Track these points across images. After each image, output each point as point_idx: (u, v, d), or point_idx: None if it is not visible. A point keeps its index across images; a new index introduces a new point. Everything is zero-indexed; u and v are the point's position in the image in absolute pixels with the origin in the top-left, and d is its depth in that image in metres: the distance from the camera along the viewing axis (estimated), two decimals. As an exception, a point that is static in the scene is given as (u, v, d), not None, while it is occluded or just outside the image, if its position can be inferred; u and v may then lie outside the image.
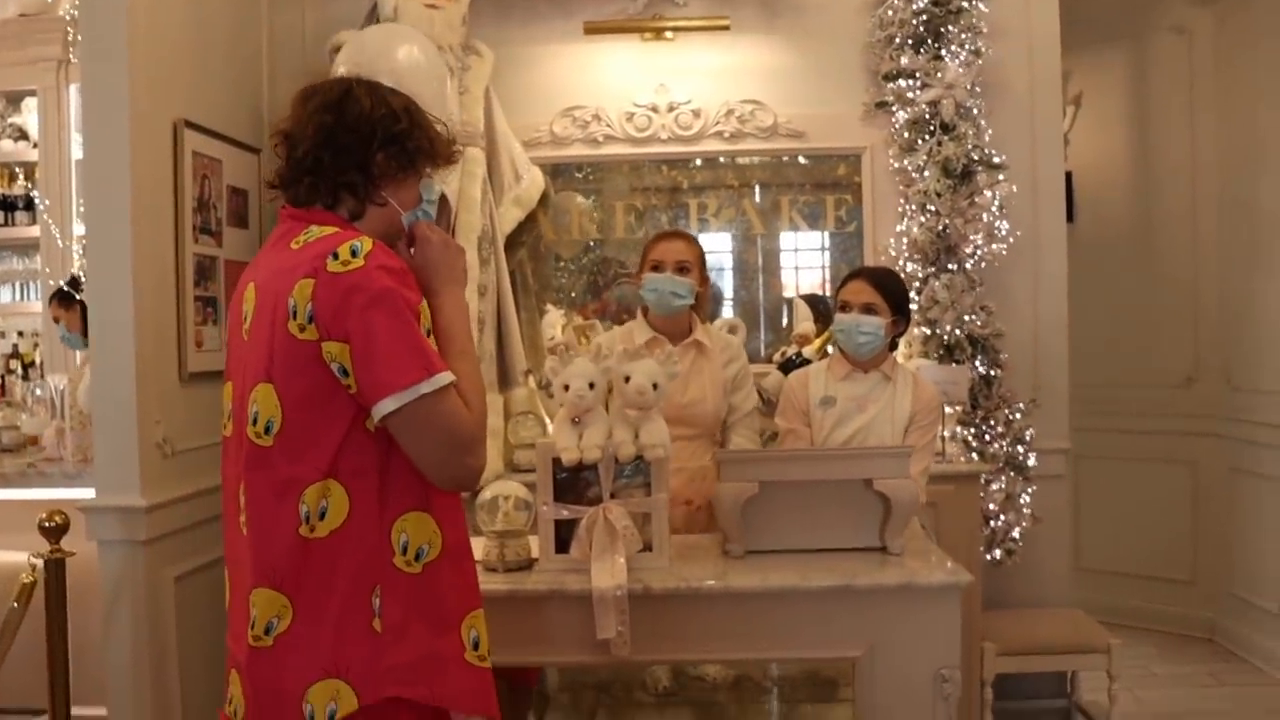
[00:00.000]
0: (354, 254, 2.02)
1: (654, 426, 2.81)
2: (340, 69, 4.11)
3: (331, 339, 2.00)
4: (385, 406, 2.00)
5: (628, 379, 2.78)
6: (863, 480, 2.95)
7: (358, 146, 2.17)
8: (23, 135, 6.00)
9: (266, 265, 2.15)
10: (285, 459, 2.04)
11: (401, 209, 2.25)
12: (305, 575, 2.02)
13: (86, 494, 3.73)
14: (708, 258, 3.87)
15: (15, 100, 6.05)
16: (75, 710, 3.67)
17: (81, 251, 5.46)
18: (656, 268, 3.69)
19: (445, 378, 2.05)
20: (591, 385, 2.76)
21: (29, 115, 5.96)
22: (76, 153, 5.59)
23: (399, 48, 3.93)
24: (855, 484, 2.96)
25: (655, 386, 2.78)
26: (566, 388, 2.77)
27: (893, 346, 3.67)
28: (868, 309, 3.53)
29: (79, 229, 5.51)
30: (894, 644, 2.77)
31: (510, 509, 2.89)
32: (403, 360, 2.01)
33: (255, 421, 2.06)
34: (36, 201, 5.66)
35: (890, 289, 3.59)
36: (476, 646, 2.17)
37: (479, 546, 2.88)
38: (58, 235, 5.47)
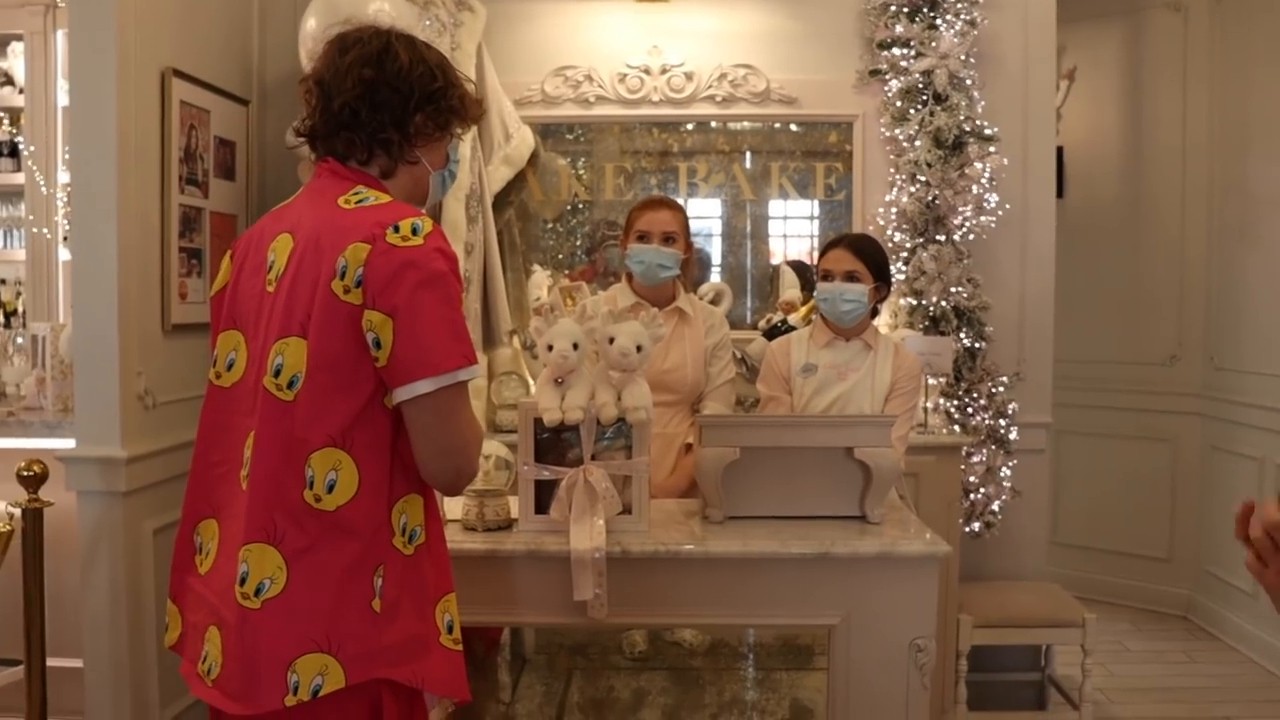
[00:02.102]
0: (414, 231, 2.01)
1: (637, 389, 2.79)
2: (310, 21, 4.07)
3: (376, 309, 1.97)
4: (420, 387, 1.98)
5: (612, 340, 2.77)
6: (844, 449, 2.95)
7: (397, 104, 2.15)
8: (8, 80, 5.92)
9: (309, 218, 2.11)
10: (301, 418, 2.00)
11: (431, 168, 2.27)
12: (309, 543, 1.99)
13: (66, 444, 3.72)
14: (696, 223, 3.87)
15: (1, 45, 5.98)
16: (51, 661, 3.65)
17: (66, 199, 5.42)
18: (642, 238, 3.69)
19: (478, 370, 2.07)
20: (576, 346, 2.74)
21: (15, 60, 5.89)
22: (63, 99, 5.53)
23: (370, 2, 3.89)
24: (836, 452, 2.96)
25: (639, 349, 2.77)
26: (551, 348, 2.75)
27: (874, 313, 3.67)
28: (850, 276, 3.53)
29: (64, 176, 5.47)
30: (870, 612, 2.78)
31: (491, 468, 2.88)
32: (447, 344, 2.00)
33: (278, 374, 2.01)
34: (21, 148, 5.59)
35: (871, 255, 3.59)
36: (450, 630, 2.16)
37: (458, 505, 2.89)
38: (42, 182, 5.41)
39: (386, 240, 1.98)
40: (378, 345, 1.98)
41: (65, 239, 5.38)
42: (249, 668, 1.99)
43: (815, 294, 3.68)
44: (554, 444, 2.83)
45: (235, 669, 2.00)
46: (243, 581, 1.98)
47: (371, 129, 2.15)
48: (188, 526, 2.20)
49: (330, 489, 1.99)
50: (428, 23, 4.13)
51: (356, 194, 2.10)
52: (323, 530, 1.99)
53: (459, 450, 2.06)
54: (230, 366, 2.15)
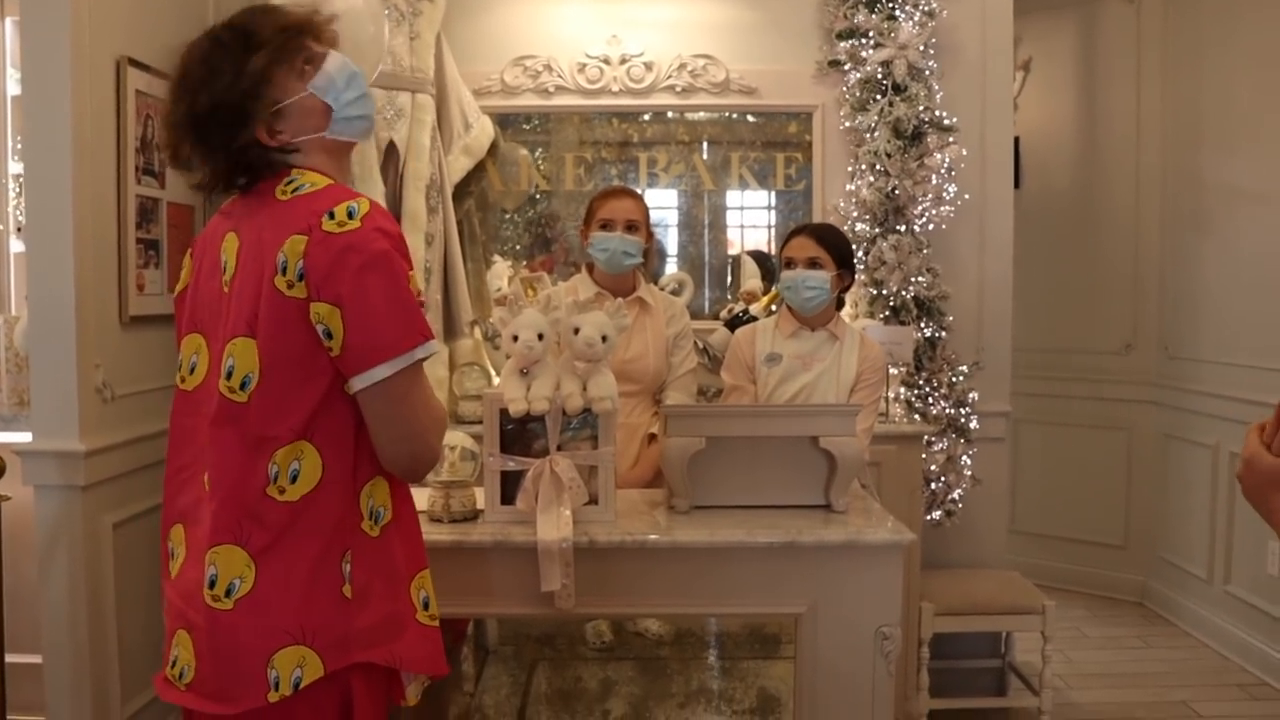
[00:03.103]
0: (350, 215, 1.96)
1: (602, 379, 2.78)
2: None
3: (321, 300, 1.93)
4: (378, 373, 1.95)
5: (577, 331, 2.76)
6: (809, 438, 2.96)
7: (228, 119, 2.01)
8: (-43, 70, 5.84)
9: (250, 214, 2.07)
10: (260, 417, 1.97)
11: (317, 131, 2.10)
12: (274, 538, 1.97)
13: (23, 438, 3.67)
14: (656, 213, 3.87)
15: (-50, 34, 5.89)
16: (9, 658, 3.61)
17: (18, 190, 5.35)
18: (606, 226, 3.68)
19: (435, 345, 2.04)
20: (540, 336, 2.73)
21: (-36, 49, 5.81)
22: (13, 88, 5.46)
23: (321, -11, 3.85)
24: (801, 441, 2.96)
25: (604, 339, 2.76)
26: (515, 338, 2.74)
27: (840, 304, 3.68)
28: (812, 263, 3.54)
29: (15, 167, 5.39)
30: (836, 601, 2.79)
31: (456, 459, 2.86)
32: (400, 325, 1.97)
33: (230, 376, 1.98)
34: (-29, 138, 5.51)
35: (833, 243, 3.59)
36: (426, 606, 2.14)
37: (424, 496, 2.87)
38: (-8, 173, 5.34)
39: (323, 229, 1.94)
40: (329, 336, 1.95)
41: (18, 230, 5.31)
42: (227, 668, 1.97)
43: (778, 282, 3.68)
44: (519, 434, 2.81)
45: (210, 670, 1.99)
46: (212, 584, 1.97)
47: (235, 151, 2.04)
48: (164, 533, 2.18)
49: (294, 479, 1.97)
50: (386, 12, 4.10)
51: (291, 182, 2.05)
52: (287, 523, 1.97)
53: (417, 435, 2.04)
54: (194, 370, 2.12)
